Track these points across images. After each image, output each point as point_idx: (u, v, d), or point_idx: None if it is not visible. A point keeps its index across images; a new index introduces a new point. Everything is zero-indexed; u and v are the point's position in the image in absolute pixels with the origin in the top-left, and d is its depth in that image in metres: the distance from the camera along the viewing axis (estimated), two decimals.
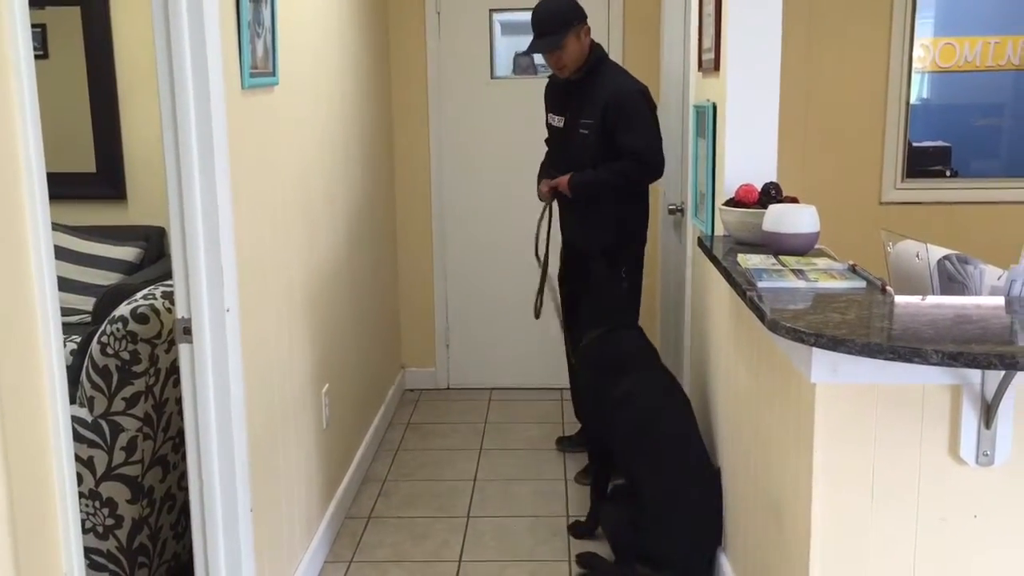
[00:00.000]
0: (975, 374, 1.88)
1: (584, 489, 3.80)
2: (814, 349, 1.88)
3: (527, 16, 3.74)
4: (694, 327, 3.63)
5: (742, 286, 2.20)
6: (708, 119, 3.09)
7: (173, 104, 2.22)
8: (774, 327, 1.88)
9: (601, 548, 3.27)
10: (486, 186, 4.96)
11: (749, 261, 2.41)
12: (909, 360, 1.69)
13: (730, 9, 2.83)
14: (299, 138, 3.08)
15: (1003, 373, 1.81)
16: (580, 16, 3.66)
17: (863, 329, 1.84)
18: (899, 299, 2.03)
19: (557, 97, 3.93)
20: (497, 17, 4.91)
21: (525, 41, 3.80)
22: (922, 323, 1.89)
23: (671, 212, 4.11)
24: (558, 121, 3.90)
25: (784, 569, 2.21)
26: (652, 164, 3.64)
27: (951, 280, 2.22)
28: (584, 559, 3.22)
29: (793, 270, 2.29)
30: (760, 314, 1.98)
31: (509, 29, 4.96)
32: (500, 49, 4.95)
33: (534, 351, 5.03)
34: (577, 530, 3.43)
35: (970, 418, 1.90)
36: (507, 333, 5.05)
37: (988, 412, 1.88)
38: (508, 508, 3.68)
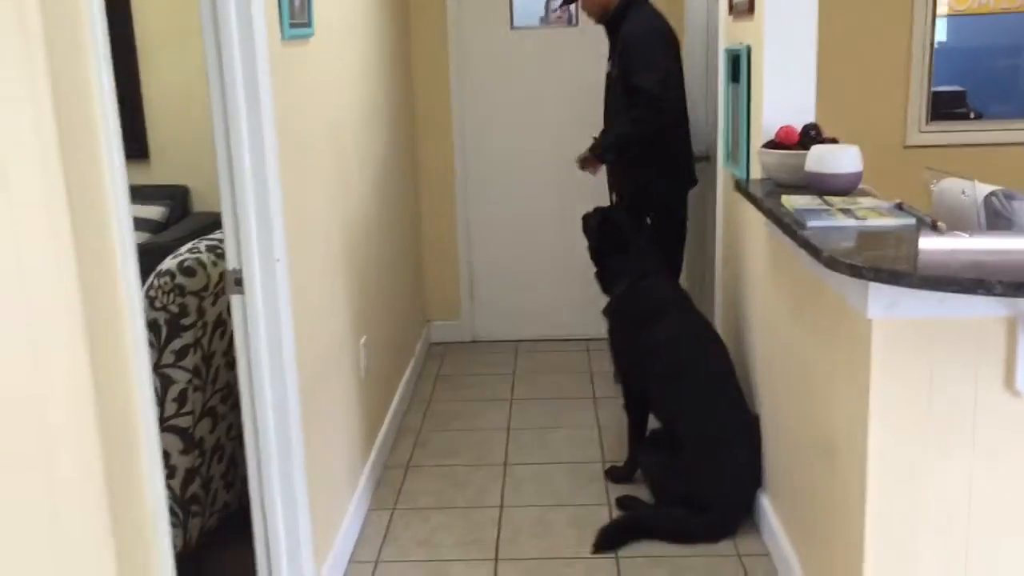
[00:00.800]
0: None
1: (619, 435, 3.84)
2: (871, 284, 1.90)
3: None
4: (726, 273, 3.64)
5: (792, 226, 2.21)
6: (743, 63, 3.07)
7: (219, 55, 2.21)
8: (832, 264, 1.90)
9: (639, 492, 3.32)
10: (509, 137, 4.94)
11: (795, 202, 2.41)
12: (972, 292, 1.71)
13: None
14: (332, 89, 3.07)
15: None
16: None
17: (908, 263, 1.85)
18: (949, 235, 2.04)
19: (610, 47, 3.98)
20: None
21: None
22: (981, 258, 1.90)
23: (696, 160, 4.10)
24: (608, 67, 3.95)
25: (838, 507, 2.25)
26: (660, 98, 3.63)
27: (997, 216, 2.22)
28: (625, 502, 3.27)
29: (840, 209, 2.30)
30: (815, 252, 1.99)
31: None
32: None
33: (560, 302, 5.06)
34: (615, 475, 3.47)
35: None
36: (532, 285, 5.07)
37: None
38: (544, 455, 3.73)
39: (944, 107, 4.90)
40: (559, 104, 4.88)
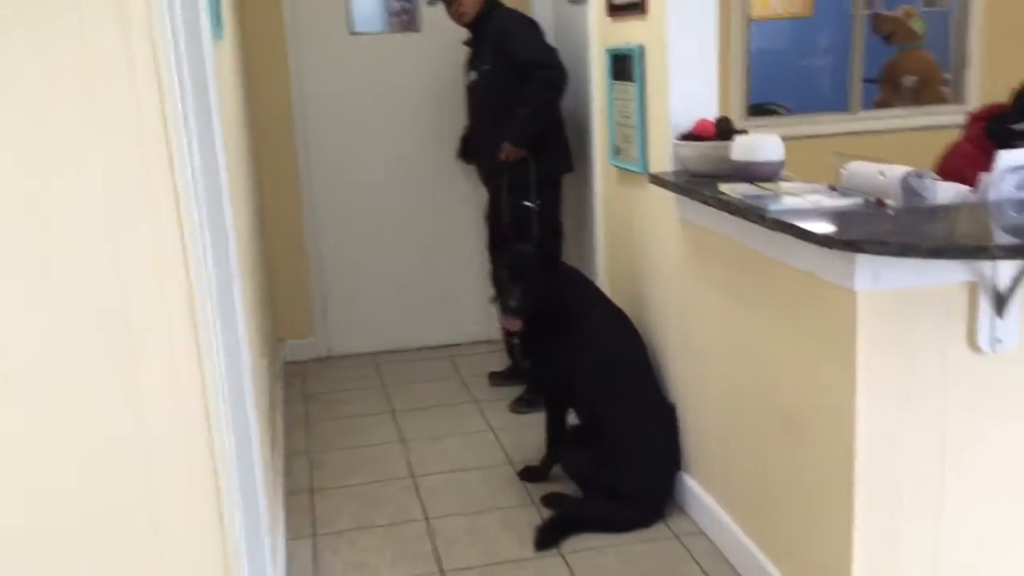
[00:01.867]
0: (989, 269, 2.10)
1: (515, 436, 3.86)
2: (858, 257, 2.03)
3: None
4: (614, 267, 3.75)
5: (755, 212, 2.31)
6: (636, 62, 3.18)
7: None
8: (828, 242, 2.01)
9: (558, 489, 3.34)
10: (354, 144, 4.81)
11: (736, 190, 2.53)
12: (972, 257, 1.88)
13: None
14: None
15: (1020, 262, 2.03)
16: None
17: (906, 236, 2.00)
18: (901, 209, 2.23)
19: (469, 57, 4.15)
20: None
21: None
22: (946, 228, 2.08)
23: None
24: (471, 77, 4.09)
25: (804, 474, 2.38)
26: (552, 67, 3.86)
27: (913, 193, 2.44)
28: (551, 500, 3.28)
29: (785, 193, 2.44)
30: (802, 233, 2.10)
31: None
32: (360, 1, 4.78)
33: (416, 310, 5.00)
34: (531, 475, 3.47)
35: (985, 310, 2.13)
36: (387, 295, 4.97)
37: (1000, 303, 2.12)
38: (448, 463, 3.67)
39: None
40: (404, 109, 4.82)
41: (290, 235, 4.82)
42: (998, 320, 2.13)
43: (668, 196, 3.03)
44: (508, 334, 4.22)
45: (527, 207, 4.01)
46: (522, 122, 3.95)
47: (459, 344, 5.04)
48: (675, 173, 2.99)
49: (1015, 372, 2.18)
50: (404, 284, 4.97)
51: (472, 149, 4.48)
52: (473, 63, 4.14)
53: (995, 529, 2.25)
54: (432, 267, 4.98)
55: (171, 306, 1.37)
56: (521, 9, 4.65)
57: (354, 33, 4.77)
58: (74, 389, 0.97)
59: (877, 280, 2.07)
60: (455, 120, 4.56)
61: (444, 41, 4.60)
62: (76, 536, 0.92)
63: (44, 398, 0.87)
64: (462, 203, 4.86)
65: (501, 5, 4.06)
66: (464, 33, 4.18)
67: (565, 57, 3.98)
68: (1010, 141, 2.88)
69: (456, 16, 4.02)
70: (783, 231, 2.19)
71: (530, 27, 4.01)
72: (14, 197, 0.82)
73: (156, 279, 1.27)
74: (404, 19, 4.79)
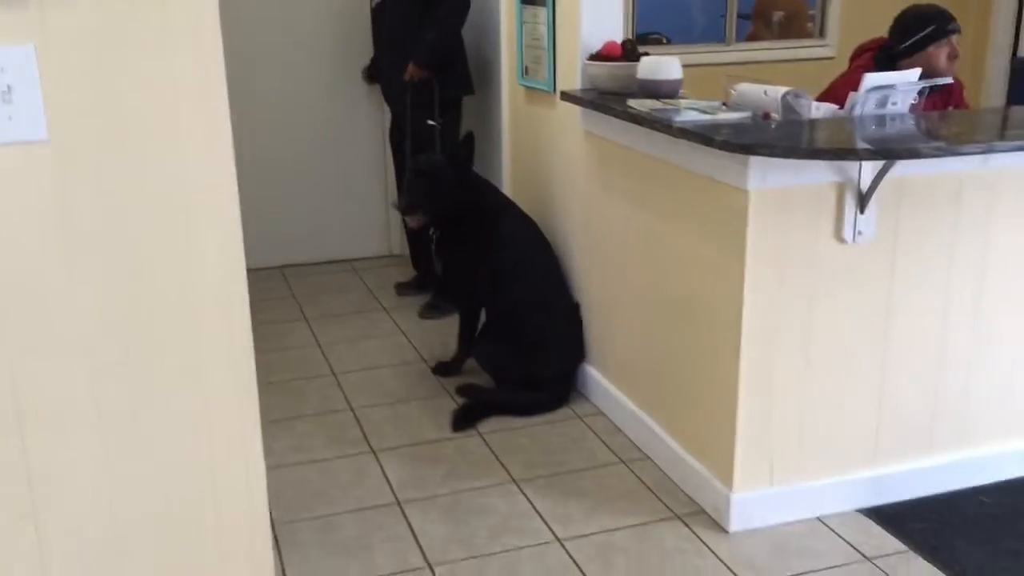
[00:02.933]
0: (854, 171, 2.51)
1: (426, 339, 4.16)
2: (751, 159, 2.41)
3: None
4: (521, 180, 4.06)
5: (664, 122, 2.66)
6: None
7: None
8: (725, 146, 2.37)
9: (471, 381, 3.67)
10: (259, 66, 4.88)
11: (643, 105, 2.86)
12: (842, 158, 2.27)
13: None
14: None
15: (882, 164, 2.45)
16: None
17: (789, 141, 2.38)
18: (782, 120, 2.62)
19: None
20: None
21: None
22: (822, 136, 2.48)
23: None
24: (375, 2, 4.27)
25: (702, 353, 2.78)
26: None
27: (790, 110, 2.84)
28: (466, 389, 3.61)
29: (686, 108, 2.79)
30: (705, 139, 2.45)
31: None
32: None
33: (320, 226, 5.17)
34: (443, 369, 3.79)
35: (850, 206, 2.55)
36: (291, 210, 5.10)
37: (863, 200, 2.54)
38: (366, 362, 3.95)
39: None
40: (308, 30, 4.91)
41: None
42: (860, 215, 2.55)
43: (575, 112, 3.34)
44: (416, 243, 4.51)
45: (430, 126, 4.24)
46: (429, 44, 4.16)
47: (363, 258, 5.26)
48: (583, 91, 3.30)
49: (872, 259, 2.61)
50: (308, 199, 5.13)
51: (378, 70, 4.67)
52: None
53: (851, 385, 2.71)
54: (335, 184, 5.15)
55: None
56: None
57: None
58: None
59: (765, 180, 2.45)
60: (359, 42, 4.73)
61: None
62: None
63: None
64: (365, 122, 5.04)
65: None
66: None
67: None
68: (893, 67, 3.32)
69: None
70: (688, 139, 2.54)
71: None
72: None
73: None
74: None
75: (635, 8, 5.45)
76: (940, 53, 3.35)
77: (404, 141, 4.33)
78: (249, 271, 4.90)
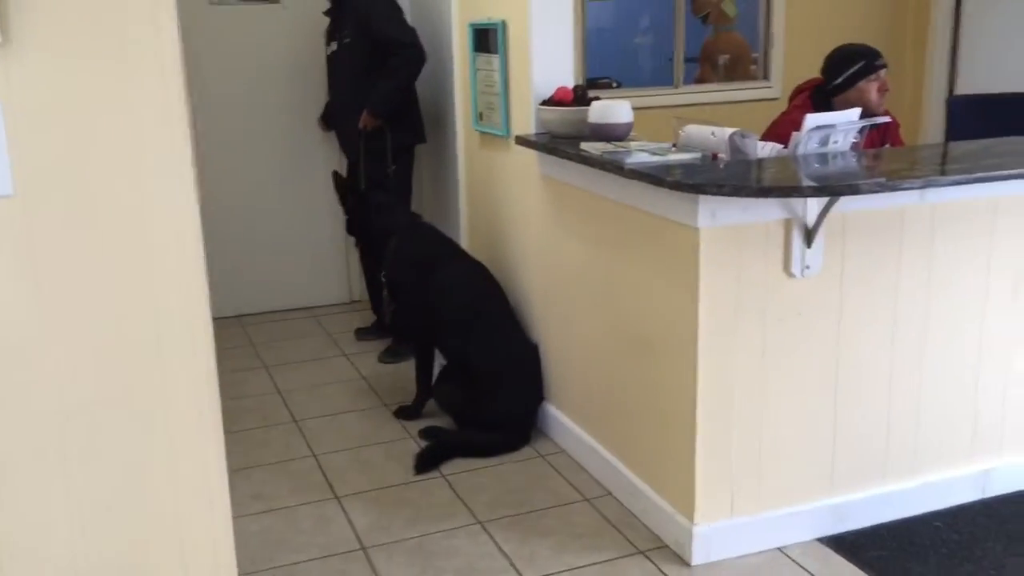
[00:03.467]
0: (800, 207, 2.60)
1: (388, 383, 4.17)
2: (700, 198, 2.48)
3: None
4: (475, 224, 4.12)
5: (613, 165, 2.73)
6: (500, 36, 3.54)
7: None
8: (676, 187, 2.45)
9: (432, 423, 3.69)
10: (216, 115, 4.92)
11: (595, 148, 2.94)
12: (788, 195, 2.35)
13: None
14: None
15: (827, 200, 2.54)
16: None
17: (737, 180, 2.46)
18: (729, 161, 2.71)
19: (329, 29, 4.40)
20: None
21: None
22: (769, 175, 2.56)
23: None
24: (331, 48, 4.35)
25: (658, 386, 2.83)
26: (413, 45, 4.17)
27: (737, 150, 2.93)
28: (429, 432, 3.62)
29: (636, 150, 2.86)
30: (656, 180, 2.52)
31: None
32: None
33: (278, 274, 5.18)
34: (405, 413, 3.80)
35: (797, 242, 2.63)
36: (249, 258, 5.10)
37: (809, 235, 2.62)
38: (327, 408, 3.95)
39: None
40: (266, 79, 4.97)
41: None
42: (807, 250, 2.63)
43: (531, 156, 3.41)
44: (375, 289, 4.54)
45: (383, 174, 4.30)
46: (382, 95, 4.23)
47: (321, 306, 5.27)
48: (537, 135, 3.38)
49: (820, 291, 2.69)
50: (266, 248, 5.14)
51: (332, 117, 4.73)
52: (333, 33, 4.39)
53: (806, 415, 2.77)
54: (294, 231, 5.17)
55: None
56: None
57: (212, 4, 4.88)
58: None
59: (714, 218, 2.53)
60: (316, 89, 4.79)
61: (303, 12, 4.80)
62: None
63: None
64: (323, 168, 5.06)
65: None
66: (323, 3, 4.42)
67: (425, 31, 4.28)
68: (829, 107, 3.44)
69: None
70: (639, 179, 2.61)
71: (390, 5, 4.26)
72: None
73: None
74: None
75: (585, 54, 5.58)
76: (870, 88, 3.49)
77: (358, 187, 4.38)
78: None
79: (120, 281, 1.48)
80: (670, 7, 5.78)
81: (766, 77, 5.94)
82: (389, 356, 4.41)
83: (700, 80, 6.17)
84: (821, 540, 2.84)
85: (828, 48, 3.72)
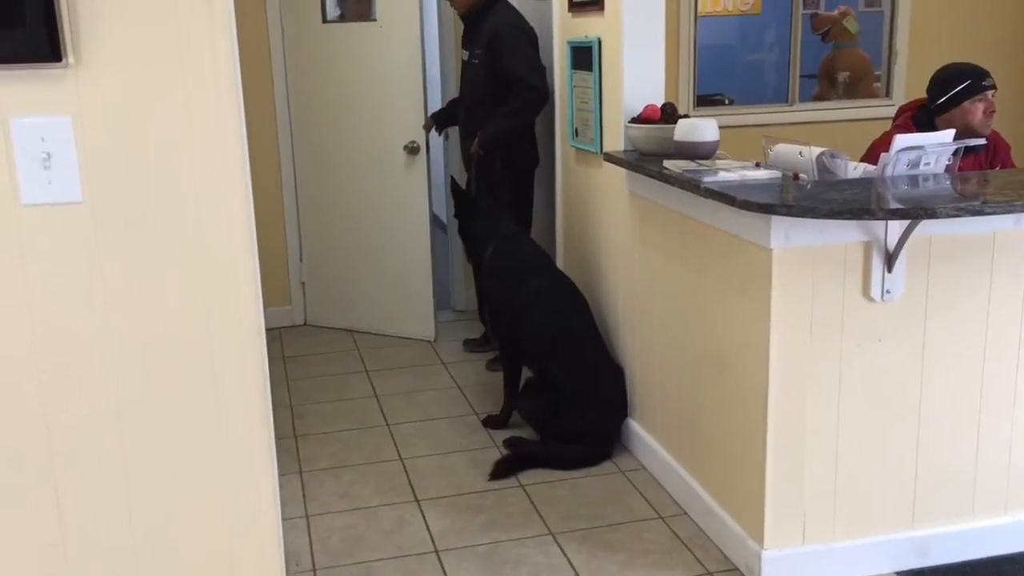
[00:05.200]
0: (881, 230, 2.53)
1: (480, 391, 4.26)
2: (772, 218, 2.46)
3: None
4: (570, 238, 4.16)
5: (692, 183, 2.73)
6: (595, 53, 3.58)
7: None
8: (746, 206, 2.43)
9: (518, 434, 3.75)
10: (333, 124, 5.12)
11: (678, 166, 2.94)
12: (860, 218, 2.31)
13: None
14: None
15: (906, 224, 2.47)
16: None
17: (810, 201, 2.43)
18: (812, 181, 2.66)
19: (465, 34, 4.44)
20: None
21: None
22: (845, 196, 2.51)
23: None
24: (465, 55, 4.39)
25: (728, 406, 2.80)
26: (538, 88, 4.13)
27: (826, 170, 2.87)
28: (511, 442, 3.68)
29: (719, 169, 2.85)
30: (728, 199, 2.51)
31: None
32: None
33: (391, 299, 5.08)
34: (492, 423, 3.87)
35: (877, 265, 2.56)
36: (363, 279, 5.15)
37: (890, 259, 2.55)
38: (420, 414, 4.06)
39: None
40: (368, 91, 5.04)
41: (270, 210, 5.12)
42: (887, 274, 2.57)
43: (620, 172, 3.44)
44: (482, 302, 4.60)
45: (494, 197, 4.30)
46: (496, 130, 4.20)
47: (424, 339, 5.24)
48: (626, 152, 3.40)
49: (902, 317, 2.62)
50: (380, 271, 5.09)
51: (452, 118, 4.74)
52: (466, 43, 4.43)
53: (886, 444, 2.69)
54: (394, 253, 5.06)
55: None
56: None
57: (327, 22, 5.08)
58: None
59: (788, 239, 2.50)
60: (415, 106, 4.82)
61: (396, 30, 4.76)
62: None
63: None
64: (427, 188, 5.05)
65: (504, 1, 4.31)
66: (414, 21, 4.55)
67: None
68: (932, 127, 3.34)
69: (451, 4, 4.38)
70: (714, 199, 2.60)
71: (524, 40, 4.20)
72: None
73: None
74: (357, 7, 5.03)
75: (695, 70, 5.54)
76: (976, 109, 3.35)
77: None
78: (316, 327, 5.10)
79: (176, 286, 1.60)
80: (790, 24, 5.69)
81: (888, 95, 5.76)
82: (497, 364, 4.45)
83: (819, 97, 6.03)
84: (900, 573, 2.75)
85: None
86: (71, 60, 1.47)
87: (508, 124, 4.20)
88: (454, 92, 4.96)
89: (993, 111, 3.38)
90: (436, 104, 5.20)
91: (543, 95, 4.16)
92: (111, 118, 1.51)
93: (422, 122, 4.76)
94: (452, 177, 4.49)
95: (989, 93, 3.36)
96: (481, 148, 4.25)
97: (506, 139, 4.26)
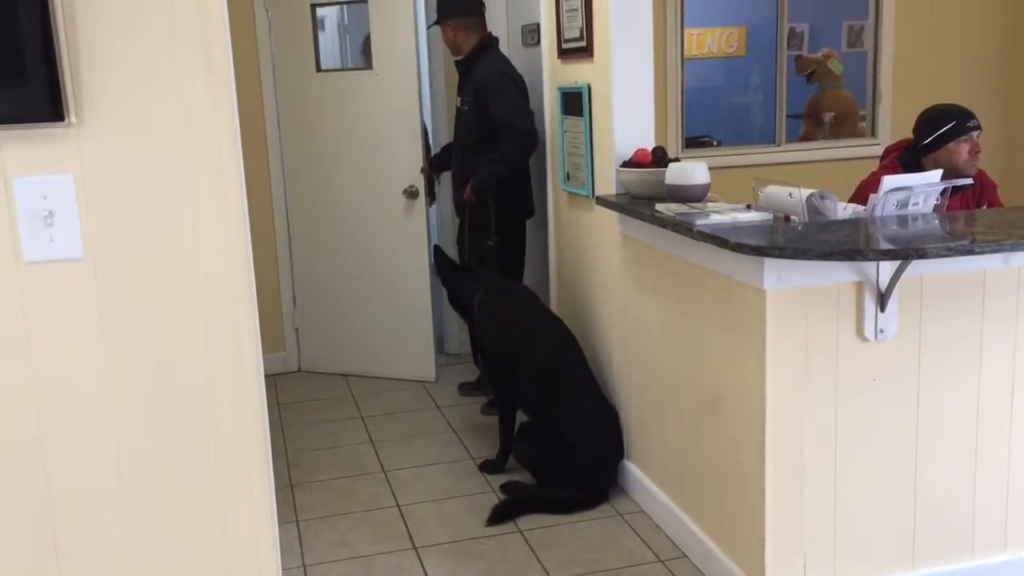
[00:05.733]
0: (872, 270, 2.56)
1: (476, 435, 4.25)
2: (766, 260, 2.48)
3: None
4: (563, 281, 4.18)
5: (684, 226, 2.76)
6: (585, 98, 3.63)
7: None
8: (739, 248, 2.45)
9: (515, 478, 3.74)
10: (328, 171, 5.14)
11: (669, 209, 2.97)
12: (852, 259, 2.33)
13: (608, 5, 3.38)
14: None
15: (898, 264, 2.50)
16: (461, 11, 4.23)
17: (802, 243, 2.45)
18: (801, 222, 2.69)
19: (459, 81, 4.51)
20: (320, 12, 5.15)
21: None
22: (837, 237, 2.54)
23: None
24: (459, 101, 4.46)
25: (727, 448, 2.81)
26: (526, 132, 4.17)
27: (815, 211, 2.90)
28: (508, 486, 3.67)
29: (711, 211, 2.88)
30: (720, 242, 2.54)
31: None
32: (325, 43, 5.18)
33: (388, 342, 5.10)
34: (489, 467, 3.86)
35: (870, 305, 2.59)
36: (358, 322, 5.17)
37: (883, 299, 2.58)
38: (416, 459, 4.04)
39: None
40: (362, 138, 5.09)
41: (262, 258, 5.13)
42: (881, 313, 2.59)
43: (612, 215, 3.47)
44: (477, 344, 4.60)
45: (485, 245, 4.35)
46: (486, 176, 4.24)
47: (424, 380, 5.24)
48: (618, 196, 3.43)
49: (896, 356, 2.64)
50: (375, 314, 5.11)
51: (446, 164, 4.79)
52: (460, 89, 4.50)
53: (884, 484, 2.70)
54: (389, 294, 5.09)
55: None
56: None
57: (321, 71, 5.14)
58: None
59: (781, 280, 2.52)
60: (414, 151, 4.87)
61: (392, 78, 4.85)
62: None
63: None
64: (426, 231, 5.09)
65: (494, 49, 4.39)
66: (411, 70, 4.63)
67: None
68: (919, 167, 3.38)
69: (449, 47, 4.46)
70: (706, 241, 2.63)
71: (511, 87, 4.25)
72: None
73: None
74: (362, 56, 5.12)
75: (683, 113, 5.61)
76: (961, 150, 3.40)
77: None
78: (310, 373, 5.10)
79: (176, 336, 1.61)
80: (776, 66, 5.77)
81: (874, 134, 5.84)
82: (492, 408, 4.46)
83: (805, 137, 6.11)
84: None
85: None
86: (73, 119, 1.49)
87: (497, 169, 4.24)
88: (446, 138, 5.02)
89: (978, 151, 3.43)
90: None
91: (531, 139, 4.20)
92: (113, 176, 1.53)
93: (420, 166, 4.81)
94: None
95: (974, 134, 3.41)
96: (473, 192, 4.28)
97: (496, 184, 4.29)
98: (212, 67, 1.53)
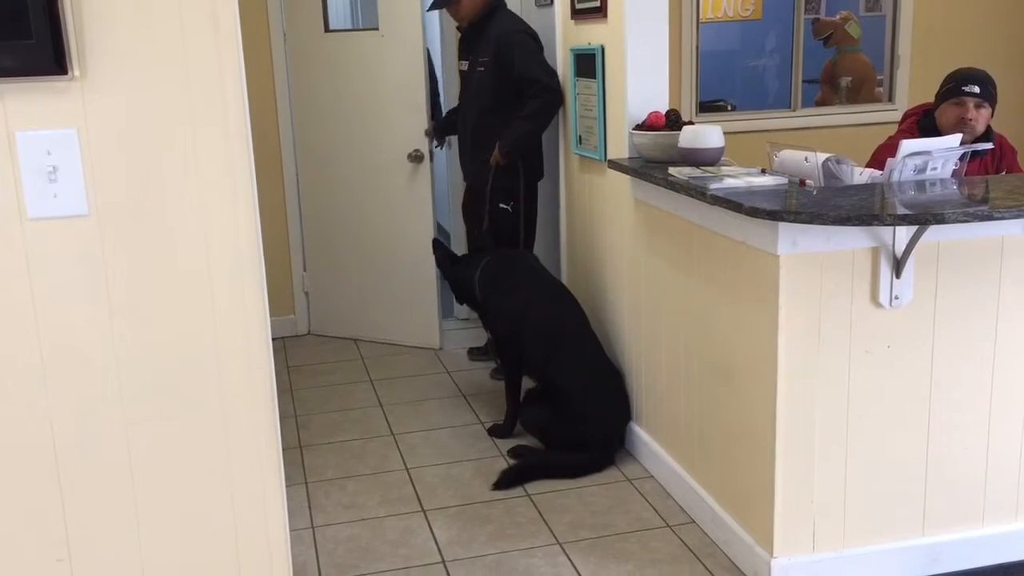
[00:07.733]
0: (889, 236, 2.52)
1: (486, 399, 4.24)
2: (780, 225, 2.44)
3: None
4: (574, 246, 4.15)
5: (698, 190, 2.72)
6: (598, 60, 3.57)
7: None
8: (753, 212, 2.42)
9: (523, 442, 3.73)
10: (336, 132, 5.10)
11: (683, 173, 2.93)
12: (867, 224, 2.29)
13: None
14: None
15: (915, 229, 2.46)
16: None
17: (817, 207, 2.41)
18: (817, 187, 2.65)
19: (463, 44, 4.40)
20: None
21: None
22: (852, 202, 2.50)
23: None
24: (463, 65, 4.36)
25: (738, 412, 2.79)
26: (553, 89, 4.07)
27: (831, 176, 2.86)
28: (517, 451, 3.67)
29: (725, 175, 2.84)
30: (735, 206, 2.50)
31: None
32: (334, 2, 5.11)
33: (396, 308, 5.07)
34: (497, 431, 3.86)
35: (885, 271, 2.55)
36: (367, 287, 5.15)
37: (898, 265, 2.54)
38: (425, 423, 4.04)
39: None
40: (371, 100, 5.04)
41: (272, 220, 5.12)
42: (896, 280, 2.55)
43: (624, 179, 3.43)
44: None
45: (506, 211, 4.29)
46: (517, 135, 4.15)
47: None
48: (630, 159, 3.39)
49: (911, 323, 2.60)
50: (386, 279, 5.08)
51: (452, 128, 4.72)
52: (467, 53, 4.39)
53: (895, 451, 2.68)
54: (400, 260, 5.05)
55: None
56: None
57: (329, 31, 5.08)
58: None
59: (795, 246, 2.48)
60: (418, 115, 4.81)
61: (398, 38, 4.75)
62: None
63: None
64: (431, 197, 5.05)
65: (505, 9, 4.32)
66: (416, 29, 4.54)
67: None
68: (937, 132, 3.33)
69: (456, 19, 4.34)
70: (720, 205, 2.59)
71: (532, 43, 4.18)
72: None
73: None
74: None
75: (698, 76, 5.54)
76: (949, 112, 3.36)
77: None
78: (319, 336, 5.10)
79: (180, 294, 1.59)
80: (791, 29, 5.68)
81: (891, 99, 5.76)
82: (498, 373, 4.45)
83: (821, 103, 6.02)
84: None
85: None
86: (76, 73, 1.46)
87: (528, 127, 4.14)
88: (455, 101, 4.95)
89: (967, 118, 3.33)
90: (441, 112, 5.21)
91: (559, 95, 4.09)
92: (117, 130, 1.50)
93: (425, 130, 4.75)
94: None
95: (970, 102, 3.33)
96: (503, 155, 4.19)
97: (527, 144, 4.22)
98: (218, 23, 1.49)
